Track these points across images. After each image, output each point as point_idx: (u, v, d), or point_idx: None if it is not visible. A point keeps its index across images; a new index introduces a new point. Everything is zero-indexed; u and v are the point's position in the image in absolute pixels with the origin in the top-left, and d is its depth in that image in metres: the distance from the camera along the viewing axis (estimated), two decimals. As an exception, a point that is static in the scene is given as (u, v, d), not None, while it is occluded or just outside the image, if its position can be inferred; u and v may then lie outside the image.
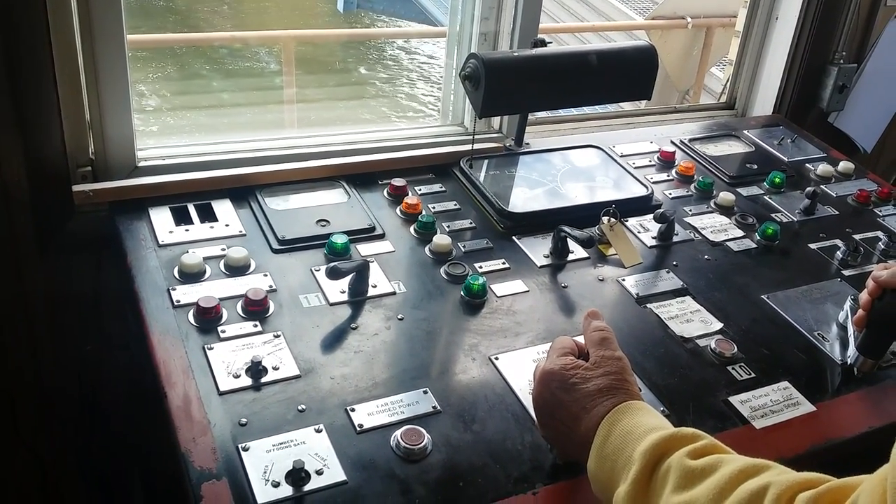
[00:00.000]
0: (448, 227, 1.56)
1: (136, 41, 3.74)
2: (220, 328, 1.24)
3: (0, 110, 1.42)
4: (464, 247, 1.51)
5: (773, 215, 1.77)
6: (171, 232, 1.45)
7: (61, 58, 1.44)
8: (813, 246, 1.69)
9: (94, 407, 1.71)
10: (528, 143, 1.87)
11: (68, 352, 1.66)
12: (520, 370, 1.24)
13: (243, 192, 1.58)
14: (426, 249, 1.49)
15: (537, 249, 1.54)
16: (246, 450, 1.04)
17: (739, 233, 1.69)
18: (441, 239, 1.49)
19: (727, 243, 1.65)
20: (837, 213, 1.82)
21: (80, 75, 1.48)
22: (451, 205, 1.64)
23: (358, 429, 1.10)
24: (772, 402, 1.25)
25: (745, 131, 2.12)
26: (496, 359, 1.26)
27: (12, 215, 1.52)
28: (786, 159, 2.02)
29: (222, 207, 1.54)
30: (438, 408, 1.15)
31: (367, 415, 1.12)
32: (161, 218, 1.49)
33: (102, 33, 1.46)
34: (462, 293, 1.39)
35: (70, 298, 1.62)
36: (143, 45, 4.54)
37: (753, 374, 1.30)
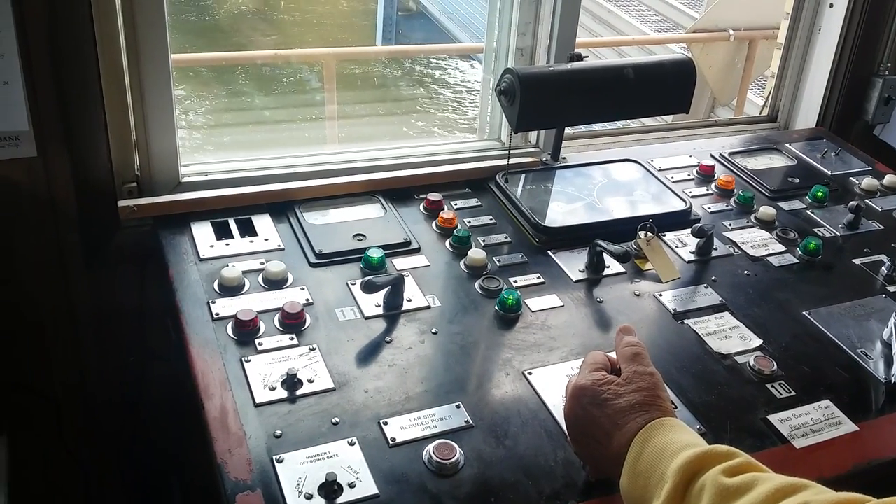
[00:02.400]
0: (483, 241, 1.57)
1: (181, 60, 3.84)
2: (257, 341, 1.26)
3: (49, 128, 1.47)
4: (499, 261, 1.52)
5: (815, 230, 1.74)
6: (212, 246, 1.48)
7: (108, 77, 1.49)
8: (857, 261, 1.65)
9: (137, 417, 1.74)
10: (564, 158, 1.87)
11: (112, 362, 1.70)
12: (553, 385, 1.23)
13: (282, 206, 1.61)
14: (461, 264, 1.50)
15: (573, 264, 1.53)
16: (280, 462, 1.06)
17: (780, 248, 1.66)
18: (476, 253, 1.49)
19: (768, 258, 1.62)
20: (883, 227, 1.78)
21: (126, 94, 1.53)
22: (486, 219, 1.64)
23: (390, 442, 1.11)
24: (813, 421, 1.22)
25: (788, 144, 2.09)
26: (530, 374, 1.26)
27: (60, 229, 1.57)
28: (829, 173, 1.98)
29: (262, 222, 1.57)
30: (471, 422, 1.15)
31: (400, 428, 1.13)
32: (203, 232, 1.52)
33: (147, 53, 1.51)
34: (496, 307, 1.39)
35: (114, 310, 1.66)
36: (187, 63, 4.65)
37: (794, 393, 1.28)
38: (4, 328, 1.56)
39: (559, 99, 1.67)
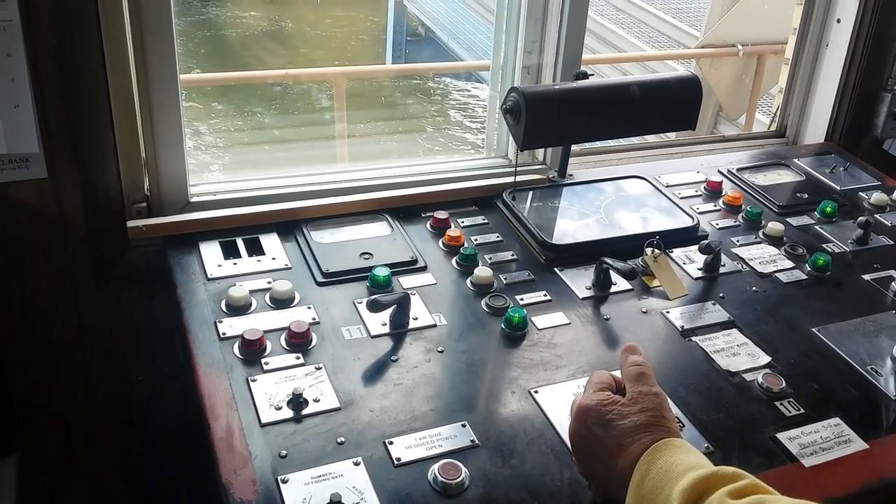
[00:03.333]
0: (490, 259, 1.57)
1: (189, 81, 3.87)
2: (263, 360, 1.26)
3: (60, 148, 1.49)
4: (505, 279, 1.52)
5: (824, 245, 1.73)
6: (219, 265, 1.49)
7: (117, 99, 1.51)
8: (866, 277, 1.64)
9: (145, 435, 1.75)
10: (571, 175, 1.87)
11: (121, 381, 1.71)
12: (560, 404, 1.23)
13: (290, 226, 1.62)
14: (468, 282, 1.50)
15: (579, 281, 1.53)
16: (285, 482, 1.06)
17: (789, 264, 1.65)
18: (482, 271, 1.50)
19: (776, 274, 1.62)
20: (892, 242, 1.77)
21: (136, 115, 1.55)
22: (493, 237, 1.65)
23: (396, 462, 1.10)
24: (822, 440, 1.21)
25: (796, 160, 2.08)
26: (536, 392, 1.25)
27: (70, 248, 1.58)
28: (838, 188, 1.97)
29: (269, 241, 1.58)
30: (477, 442, 1.15)
31: (405, 448, 1.13)
32: (210, 252, 1.53)
33: (156, 75, 1.53)
34: (503, 325, 1.39)
35: (123, 329, 1.67)
36: (196, 84, 4.68)
37: (803, 410, 1.27)
38: (15, 346, 1.57)
39: (564, 117, 1.68)
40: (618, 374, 1.09)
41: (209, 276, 1.46)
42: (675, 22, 7.86)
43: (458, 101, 8.49)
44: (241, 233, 1.58)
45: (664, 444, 0.95)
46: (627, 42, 7.57)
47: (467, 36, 8.75)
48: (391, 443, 1.13)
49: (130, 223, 1.55)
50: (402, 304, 1.36)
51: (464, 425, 1.18)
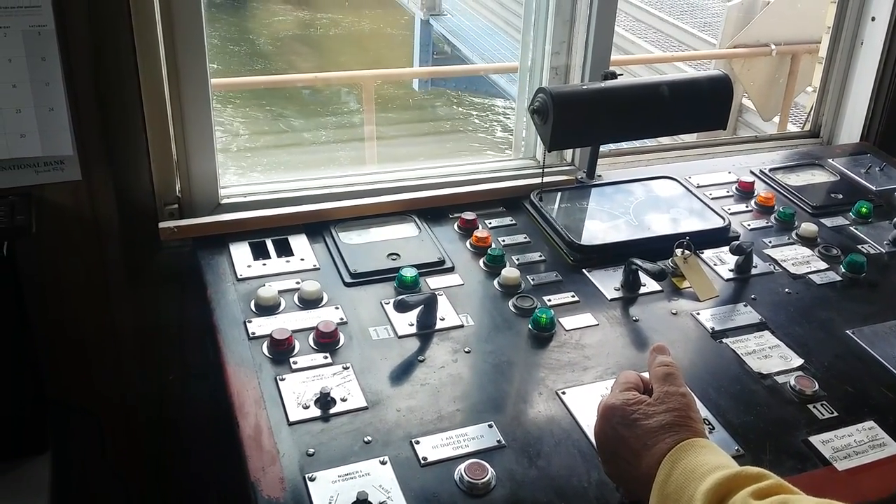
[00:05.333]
0: (518, 260, 1.57)
1: (220, 85, 3.91)
2: (291, 360, 1.27)
3: (94, 151, 1.51)
4: (533, 280, 1.51)
5: (859, 246, 1.70)
6: (249, 266, 1.51)
7: (150, 102, 1.53)
8: (903, 278, 1.61)
9: (177, 434, 1.77)
10: (600, 175, 1.86)
11: (153, 380, 1.74)
12: (587, 405, 1.22)
13: (318, 227, 1.63)
14: (495, 283, 1.50)
15: (608, 283, 1.52)
16: (312, 480, 1.06)
17: (823, 265, 1.62)
18: (510, 272, 1.49)
19: (809, 276, 1.59)
20: (930, 243, 1.73)
21: (168, 119, 1.57)
22: (521, 238, 1.64)
23: (422, 461, 1.10)
24: (856, 443, 1.19)
25: (830, 160, 2.05)
26: (563, 393, 1.25)
27: (103, 250, 1.61)
28: (873, 188, 1.94)
29: (298, 242, 1.59)
30: (503, 442, 1.15)
31: (432, 448, 1.13)
32: (240, 253, 1.55)
33: (188, 79, 1.55)
34: (530, 326, 1.38)
35: (155, 329, 1.69)
36: (226, 88, 4.73)
37: (836, 413, 1.24)
38: (49, 346, 1.60)
39: (592, 117, 1.67)
40: (646, 375, 1.08)
41: (239, 276, 1.48)
42: (692, 30, 7.82)
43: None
44: (270, 234, 1.60)
45: (689, 444, 0.94)
46: (642, 49, 7.52)
47: (492, 52, 8.81)
48: (417, 442, 1.13)
49: (162, 224, 1.58)
50: (430, 305, 1.36)
51: (490, 426, 1.17)
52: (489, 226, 1.67)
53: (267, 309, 1.39)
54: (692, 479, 0.90)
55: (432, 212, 1.70)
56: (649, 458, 0.96)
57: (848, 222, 1.79)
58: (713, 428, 1.19)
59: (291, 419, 1.16)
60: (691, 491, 0.88)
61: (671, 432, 0.96)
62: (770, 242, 1.69)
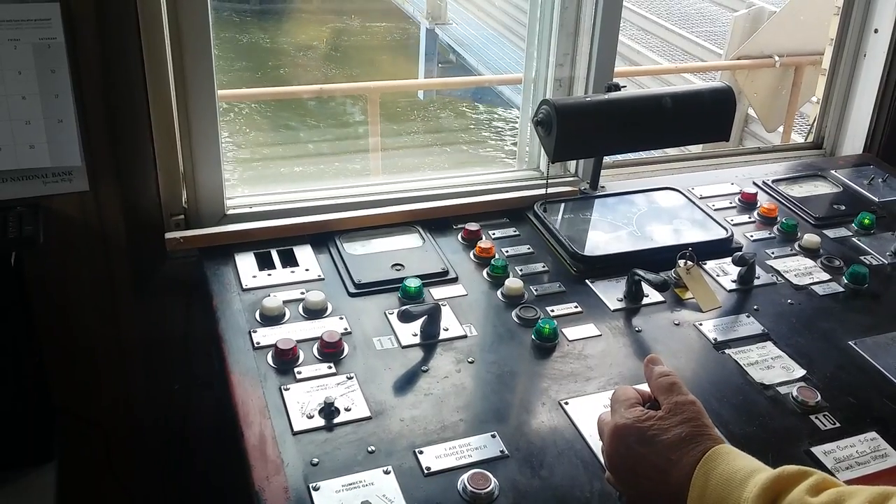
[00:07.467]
0: (521, 270, 1.57)
1: (227, 96, 3.94)
2: (296, 369, 1.28)
3: (101, 162, 1.53)
4: (536, 290, 1.52)
5: (861, 258, 1.70)
6: (254, 276, 1.52)
7: (157, 114, 1.55)
8: (906, 290, 1.61)
9: (182, 444, 1.78)
10: (603, 187, 1.87)
11: (159, 389, 1.75)
12: (590, 415, 1.22)
13: (323, 237, 1.64)
14: (498, 293, 1.50)
15: (611, 293, 1.53)
16: (316, 489, 1.07)
17: (825, 276, 1.63)
18: (513, 283, 1.50)
19: (812, 287, 1.59)
20: (933, 255, 1.74)
21: (175, 130, 1.58)
22: (524, 248, 1.65)
23: (425, 471, 1.11)
24: (858, 454, 1.19)
25: (833, 171, 2.06)
26: (566, 403, 1.25)
27: (110, 260, 1.62)
28: (876, 199, 1.94)
29: (303, 253, 1.60)
30: (506, 452, 1.15)
31: (435, 457, 1.13)
32: (246, 263, 1.56)
33: (195, 91, 1.56)
34: (533, 337, 1.39)
35: (161, 338, 1.71)
36: (233, 99, 4.76)
37: (838, 424, 1.25)
38: (56, 355, 1.61)
39: (596, 129, 1.68)
40: (641, 387, 1.07)
41: (244, 286, 1.49)
42: (699, 40, 7.84)
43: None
44: (275, 244, 1.61)
45: (715, 452, 0.94)
46: (649, 59, 7.55)
47: (496, 61, 8.86)
48: (421, 452, 1.14)
49: (168, 235, 1.59)
50: (433, 315, 1.37)
51: (493, 436, 1.18)
52: (493, 236, 1.68)
53: (272, 319, 1.40)
54: (731, 486, 0.89)
55: (436, 222, 1.71)
56: (678, 473, 0.94)
57: (850, 233, 1.80)
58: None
59: (296, 429, 1.17)
60: (735, 498, 0.88)
61: (693, 443, 0.95)
62: (773, 253, 1.70)
